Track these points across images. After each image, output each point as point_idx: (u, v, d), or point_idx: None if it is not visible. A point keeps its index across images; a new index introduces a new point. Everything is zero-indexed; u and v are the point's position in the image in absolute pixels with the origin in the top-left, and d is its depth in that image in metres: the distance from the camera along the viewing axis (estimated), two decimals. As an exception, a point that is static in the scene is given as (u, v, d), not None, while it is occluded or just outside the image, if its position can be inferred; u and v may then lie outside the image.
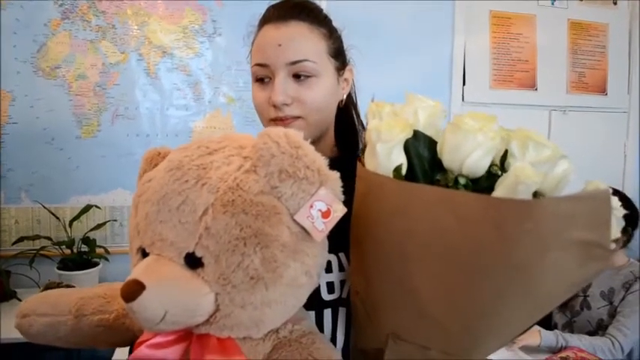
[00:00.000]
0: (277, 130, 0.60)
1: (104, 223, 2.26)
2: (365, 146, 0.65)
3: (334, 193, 0.60)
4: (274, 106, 0.82)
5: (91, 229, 2.20)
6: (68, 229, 2.15)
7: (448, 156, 0.58)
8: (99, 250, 2.19)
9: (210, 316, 0.58)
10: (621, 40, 2.84)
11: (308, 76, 0.82)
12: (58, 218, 2.19)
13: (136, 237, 0.63)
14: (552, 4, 2.73)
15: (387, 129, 0.59)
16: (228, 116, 2.41)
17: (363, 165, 0.64)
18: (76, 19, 2.24)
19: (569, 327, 2.10)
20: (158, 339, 0.61)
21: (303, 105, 0.82)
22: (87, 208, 2.20)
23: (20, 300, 2.05)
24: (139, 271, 0.57)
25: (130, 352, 0.76)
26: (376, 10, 2.50)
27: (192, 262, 0.57)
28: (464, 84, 2.64)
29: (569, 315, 2.11)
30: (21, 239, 2.11)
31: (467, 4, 2.61)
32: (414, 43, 2.58)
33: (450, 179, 0.59)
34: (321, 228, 0.58)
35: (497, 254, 0.55)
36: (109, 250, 2.24)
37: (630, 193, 2.73)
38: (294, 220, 0.58)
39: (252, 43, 0.88)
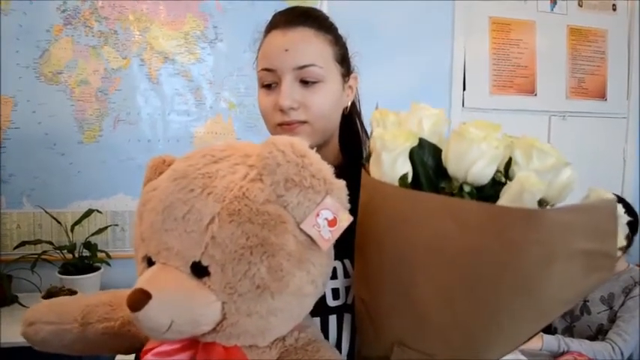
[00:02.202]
0: (283, 139, 0.60)
1: (105, 228, 2.26)
2: (369, 154, 0.65)
3: (340, 202, 0.60)
4: (281, 111, 0.82)
5: (93, 234, 2.20)
6: (70, 234, 2.15)
7: (453, 164, 0.59)
8: (100, 255, 2.19)
9: (217, 325, 0.59)
10: (620, 46, 2.84)
11: (314, 82, 0.83)
12: (59, 223, 2.18)
13: (141, 245, 0.63)
14: (552, 10, 2.73)
15: (391, 138, 0.59)
16: (229, 122, 2.41)
17: (368, 173, 0.64)
18: (79, 25, 2.24)
19: (569, 332, 2.10)
20: (164, 347, 0.61)
21: (309, 110, 0.83)
22: (88, 213, 2.20)
23: (22, 304, 2.05)
24: (144, 280, 0.57)
25: (136, 359, 0.77)
26: (375, 16, 2.50)
27: (199, 271, 0.58)
28: (464, 89, 2.65)
29: (569, 320, 2.12)
30: (22, 244, 2.10)
31: (466, 11, 2.62)
32: (413, 49, 2.58)
33: (454, 187, 0.59)
34: (328, 237, 0.59)
35: (502, 264, 0.55)
36: (111, 254, 2.23)
37: (629, 198, 2.73)
38: (301, 229, 0.59)
39: (259, 50, 0.88)
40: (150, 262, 0.62)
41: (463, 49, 2.64)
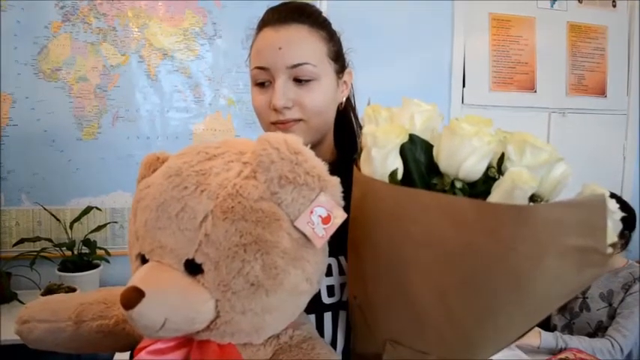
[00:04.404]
0: (277, 136, 0.59)
1: (105, 225, 2.26)
2: (361, 150, 0.65)
3: (334, 199, 0.60)
4: (275, 110, 0.82)
5: (92, 231, 2.20)
6: (69, 231, 2.15)
7: (444, 160, 0.58)
8: (99, 252, 2.19)
9: (211, 323, 0.58)
10: (620, 43, 2.84)
11: (308, 80, 0.82)
12: (58, 220, 2.19)
13: (135, 243, 0.63)
14: (552, 6, 2.73)
15: (382, 134, 0.59)
16: (228, 118, 2.41)
17: (359, 169, 0.64)
18: (77, 22, 2.24)
19: (569, 328, 2.10)
20: (159, 345, 0.61)
21: (303, 108, 0.82)
22: (87, 210, 2.20)
23: (21, 302, 2.05)
24: (138, 278, 0.57)
25: (131, 357, 0.76)
26: (375, 12, 2.50)
27: (192, 268, 0.57)
28: (464, 86, 2.65)
29: (569, 317, 2.12)
30: (21, 241, 2.10)
31: (466, 7, 2.61)
32: (413, 45, 2.58)
33: (446, 183, 0.59)
34: (322, 234, 0.58)
35: (493, 260, 0.55)
36: (110, 251, 2.23)
37: (629, 195, 2.74)
38: (295, 227, 0.58)
39: (251, 47, 0.87)
40: (144, 260, 0.61)
41: (463, 45, 2.64)
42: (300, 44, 0.82)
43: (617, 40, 2.83)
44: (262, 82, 0.84)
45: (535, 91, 2.74)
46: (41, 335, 0.77)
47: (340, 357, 0.80)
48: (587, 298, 2.08)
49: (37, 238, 2.13)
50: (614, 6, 2.81)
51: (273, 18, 0.84)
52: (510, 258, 0.54)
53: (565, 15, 2.75)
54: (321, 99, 0.84)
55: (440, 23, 2.61)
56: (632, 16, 2.83)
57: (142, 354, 0.61)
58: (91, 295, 0.80)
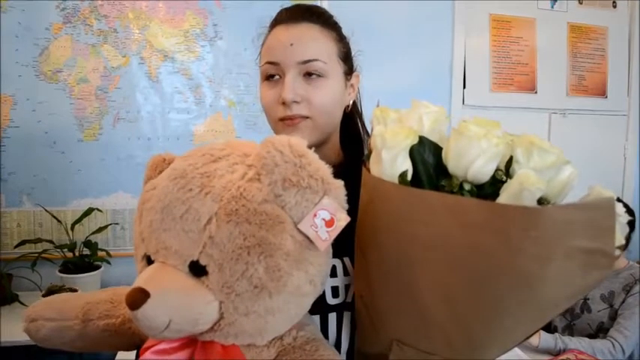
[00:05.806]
0: (281, 139, 0.60)
1: (106, 227, 2.26)
2: (370, 152, 0.65)
3: (338, 202, 0.60)
4: (283, 104, 0.82)
5: (93, 232, 2.21)
6: (70, 233, 2.16)
7: (453, 162, 0.58)
8: (101, 253, 2.20)
9: (215, 324, 0.59)
10: (621, 43, 2.84)
11: (318, 76, 0.83)
12: (59, 221, 2.19)
13: (141, 244, 0.63)
14: (552, 7, 2.73)
15: (391, 135, 0.59)
16: (229, 120, 2.41)
17: (369, 171, 0.64)
18: (78, 23, 2.24)
19: (570, 330, 2.10)
20: (163, 345, 0.61)
21: (311, 104, 0.83)
22: (88, 212, 2.21)
23: (22, 303, 2.05)
24: (143, 278, 0.57)
25: (137, 356, 0.77)
26: (375, 12, 2.51)
27: (197, 270, 0.58)
28: (464, 87, 2.65)
29: (570, 318, 2.12)
30: (23, 242, 2.11)
31: (466, 8, 2.61)
32: (413, 46, 2.58)
33: (455, 185, 0.58)
34: (325, 237, 0.58)
35: (501, 261, 0.55)
36: (111, 253, 2.24)
37: (629, 196, 2.74)
38: (298, 229, 0.58)
39: (262, 45, 0.89)
40: (149, 261, 0.62)
41: (463, 46, 2.64)
42: (311, 41, 0.84)
43: (618, 41, 2.84)
44: (272, 74, 0.85)
45: (535, 92, 2.74)
46: (48, 334, 0.77)
47: (344, 358, 0.81)
48: (588, 299, 2.08)
49: (38, 240, 2.14)
50: (615, 6, 2.82)
51: (286, 17, 0.86)
52: (519, 259, 0.54)
53: (565, 16, 2.76)
54: (329, 97, 0.85)
55: (440, 24, 2.62)
56: (632, 16, 2.83)
57: (147, 354, 0.62)
58: (97, 294, 0.81)
